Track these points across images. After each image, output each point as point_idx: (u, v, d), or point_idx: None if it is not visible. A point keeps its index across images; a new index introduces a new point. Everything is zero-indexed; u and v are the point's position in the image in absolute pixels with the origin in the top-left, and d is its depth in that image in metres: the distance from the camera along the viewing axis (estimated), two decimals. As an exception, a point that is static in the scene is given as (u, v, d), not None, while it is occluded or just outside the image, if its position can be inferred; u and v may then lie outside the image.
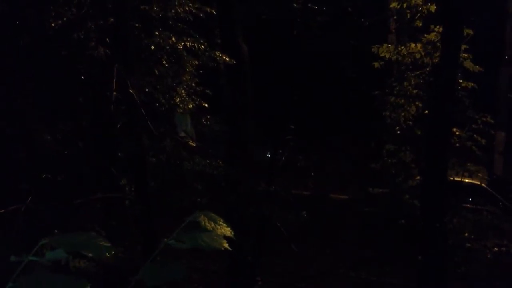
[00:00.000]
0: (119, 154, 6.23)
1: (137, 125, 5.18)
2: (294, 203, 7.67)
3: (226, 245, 1.08)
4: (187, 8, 6.88)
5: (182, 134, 6.46)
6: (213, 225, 1.10)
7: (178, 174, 6.72)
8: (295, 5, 7.89)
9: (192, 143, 6.23)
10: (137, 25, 5.85)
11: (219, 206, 7.02)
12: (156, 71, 6.57)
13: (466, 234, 6.73)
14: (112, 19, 5.96)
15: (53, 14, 6.15)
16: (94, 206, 6.11)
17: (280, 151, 7.46)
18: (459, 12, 6.00)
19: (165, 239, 1.11)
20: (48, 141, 6.07)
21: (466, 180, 8.14)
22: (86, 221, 6.00)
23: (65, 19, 6.16)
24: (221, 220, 1.12)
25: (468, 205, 8.58)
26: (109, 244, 1.00)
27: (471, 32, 7.02)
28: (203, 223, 1.09)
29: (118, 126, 4.89)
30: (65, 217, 5.46)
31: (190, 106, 6.72)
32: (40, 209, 4.63)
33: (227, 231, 1.11)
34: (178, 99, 6.65)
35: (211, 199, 6.69)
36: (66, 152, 6.08)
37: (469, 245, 6.67)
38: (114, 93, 4.52)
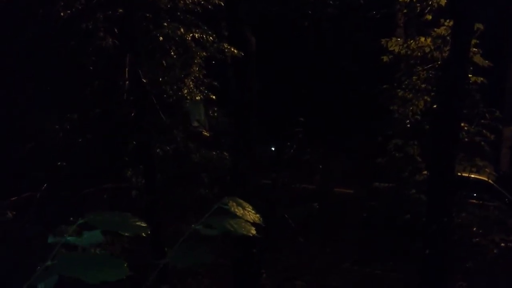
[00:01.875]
0: (127, 145, 6.24)
1: (146, 116, 5.17)
2: (301, 197, 7.66)
3: (254, 231, 1.08)
4: (195, -1, 6.86)
5: (196, 123, 6.44)
6: (242, 211, 1.09)
7: (185, 166, 6.72)
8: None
9: (205, 133, 6.21)
10: (147, 15, 5.82)
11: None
12: (164, 62, 6.56)
13: (475, 229, 6.71)
14: (120, 10, 5.94)
15: (62, 3, 6.15)
16: (100, 197, 6.12)
17: (288, 143, 7.44)
18: (470, 6, 5.95)
19: (193, 225, 1.10)
20: (56, 131, 6.09)
21: (473, 176, 8.11)
22: (93, 211, 6.02)
23: (73, 9, 6.15)
24: (250, 206, 1.12)
25: (474, 201, 8.56)
26: (145, 225, 1.00)
27: (481, 26, 6.97)
28: (232, 209, 1.08)
29: (132, 114, 4.87)
30: (72, 207, 5.48)
31: (198, 98, 6.71)
32: (48, 198, 4.65)
33: (256, 217, 1.10)
34: (186, 91, 6.65)
35: (217, 192, 6.69)
36: (74, 143, 6.10)
37: (476, 239, 6.66)
38: (127, 82, 4.51)
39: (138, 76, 3.56)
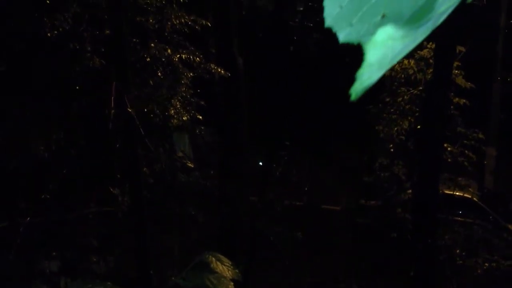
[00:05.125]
0: (114, 164, 6.23)
1: (133, 139, 5.16)
2: (288, 214, 7.69)
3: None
4: (183, 20, 6.91)
5: (180, 154, 6.47)
6: (221, 267, 1.12)
7: (172, 185, 6.72)
8: (291, 23, 7.96)
9: (190, 164, 6.23)
10: (134, 40, 5.86)
11: (212, 219, 7.03)
12: (151, 82, 6.58)
13: (458, 251, 6.78)
14: (108, 31, 5.97)
15: (49, 25, 6.16)
16: (87, 217, 6.11)
17: (274, 165, 7.49)
18: (451, 29, 6.08)
19: (172, 277, 1.14)
20: (41, 151, 6.06)
21: (457, 194, 8.22)
22: (81, 232, 6.00)
23: (60, 29, 6.16)
24: (229, 262, 1.15)
25: (459, 218, 8.65)
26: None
27: (463, 49, 7.12)
28: (212, 265, 1.12)
29: (117, 145, 4.88)
30: (60, 231, 5.46)
31: (185, 118, 6.73)
32: (35, 224, 4.61)
33: (235, 274, 1.14)
34: (172, 111, 6.66)
35: (204, 211, 6.70)
36: (61, 162, 6.08)
37: (460, 262, 6.72)
38: (112, 110, 4.53)
39: (124, 104, 3.57)
